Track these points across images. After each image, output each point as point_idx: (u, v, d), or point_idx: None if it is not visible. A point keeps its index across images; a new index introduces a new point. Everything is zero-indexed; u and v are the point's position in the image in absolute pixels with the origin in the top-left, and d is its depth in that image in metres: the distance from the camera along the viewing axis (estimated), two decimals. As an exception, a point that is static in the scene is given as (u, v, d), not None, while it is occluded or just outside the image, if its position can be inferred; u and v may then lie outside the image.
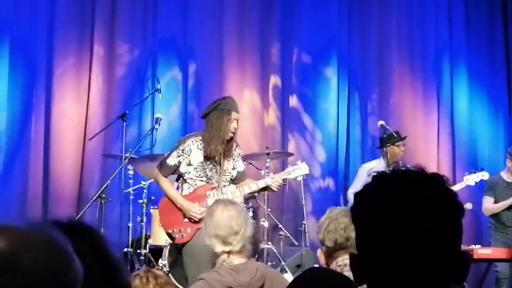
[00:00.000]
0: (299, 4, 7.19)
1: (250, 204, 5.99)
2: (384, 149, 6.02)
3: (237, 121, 4.45)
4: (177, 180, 4.58)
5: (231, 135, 4.40)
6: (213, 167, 4.40)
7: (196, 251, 4.17)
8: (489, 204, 6.13)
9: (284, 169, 6.94)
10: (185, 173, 4.40)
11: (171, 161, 4.41)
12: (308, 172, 4.74)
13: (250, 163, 6.07)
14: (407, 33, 7.37)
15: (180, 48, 6.91)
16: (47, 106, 6.50)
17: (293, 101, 7.14)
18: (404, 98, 7.32)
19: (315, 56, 7.19)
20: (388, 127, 6.08)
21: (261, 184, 4.50)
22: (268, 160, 5.85)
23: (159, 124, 5.35)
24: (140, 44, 6.84)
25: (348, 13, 7.29)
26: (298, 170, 4.62)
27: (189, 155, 4.38)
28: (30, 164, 6.37)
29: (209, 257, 4.10)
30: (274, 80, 7.11)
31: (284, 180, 4.63)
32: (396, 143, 5.97)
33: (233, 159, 4.49)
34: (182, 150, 4.40)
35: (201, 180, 4.40)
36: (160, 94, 5.62)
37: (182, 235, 4.35)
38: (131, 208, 5.73)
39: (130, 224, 5.60)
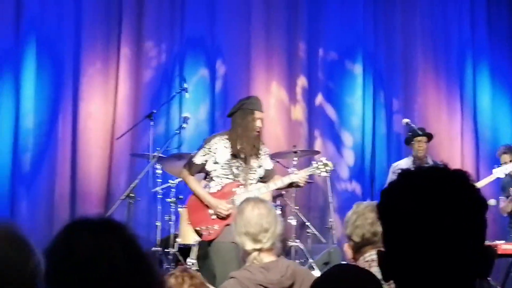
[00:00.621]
0: (325, 3, 7.23)
1: (278, 202, 6.01)
2: (410, 146, 6.14)
3: (262, 120, 4.49)
4: (205, 178, 4.62)
5: (256, 134, 4.44)
6: (240, 165, 4.46)
7: (224, 249, 4.24)
8: (502, 203, 6.16)
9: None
10: (211, 171, 4.47)
11: (198, 159, 4.48)
12: (332, 168, 4.78)
13: (278, 162, 6.08)
14: (430, 32, 7.41)
15: (208, 48, 6.94)
16: (74, 106, 6.55)
17: (320, 99, 7.16)
18: (428, 96, 7.36)
19: (341, 55, 7.23)
20: (413, 125, 6.12)
21: (286, 180, 4.55)
22: (295, 158, 5.84)
23: (187, 123, 5.37)
24: (167, 43, 6.87)
25: (373, 13, 7.33)
26: (322, 166, 4.65)
27: (215, 153, 4.44)
28: (58, 164, 6.42)
29: (236, 254, 4.19)
30: (301, 79, 7.14)
31: (310, 176, 4.65)
32: (415, 138, 6.04)
33: (259, 157, 4.52)
34: (208, 149, 4.46)
35: (228, 178, 4.45)
36: (187, 93, 5.64)
37: (210, 232, 4.41)
38: (159, 207, 5.77)
39: (159, 223, 5.62)
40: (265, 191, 4.45)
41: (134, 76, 6.75)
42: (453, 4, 7.48)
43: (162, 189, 5.85)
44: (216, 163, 4.44)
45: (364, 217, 2.50)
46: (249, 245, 2.92)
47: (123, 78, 6.71)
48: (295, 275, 2.89)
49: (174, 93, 5.97)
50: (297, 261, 5.64)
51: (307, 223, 6.28)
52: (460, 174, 1.18)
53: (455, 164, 6.69)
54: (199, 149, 4.54)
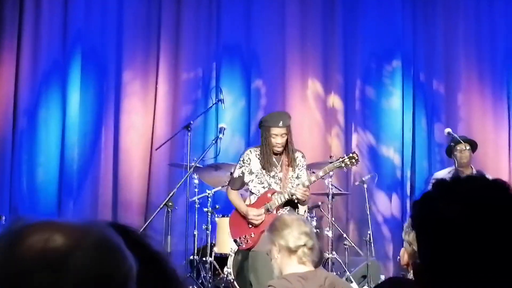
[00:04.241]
0: (362, 7, 7.08)
1: (314, 214, 5.98)
2: (452, 157, 5.90)
3: (284, 134, 4.56)
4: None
5: (278, 149, 4.55)
6: (275, 174, 4.59)
7: (260, 258, 4.32)
8: None
9: (347, 178, 6.91)
10: (249, 182, 4.66)
11: (236, 173, 4.71)
12: (358, 159, 4.77)
13: (314, 172, 6.05)
14: (474, 34, 7.09)
15: (244, 56, 6.98)
16: (116, 118, 6.77)
17: (358, 106, 7.04)
18: (473, 103, 7.03)
19: (379, 60, 7.06)
20: (456, 135, 5.92)
21: (313, 178, 4.65)
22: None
23: (223, 134, 5.43)
24: (204, 54, 6.97)
25: (412, 16, 7.12)
26: (347, 159, 4.68)
27: (249, 164, 4.64)
28: (101, 174, 6.65)
29: (271, 264, 4.23)
30: (338, 84, 7.04)
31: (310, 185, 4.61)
32: (457, 147, 5.78)
33: (298, 168, 4.63)
34: (243, 161, 4.68)
35: (263, 187, 4.62)
36: (223, 104, 5.71)
37: (247, 241, 4.59)
38: (196, 216, 5.83)
39: (196, 232, 5.70)
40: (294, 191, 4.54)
41: (172, 87, 6.90)
42: (500, 4, 7.11)
43: (199, 198, 5.91)
44: (251, 173, 4.63)
45: None
46: (293, 242, 2.92)
47: (162, 90, 6.87)
48: (334, 286, 2.88)
49: (211, 104, 6.05)
50: (334, 273, 5.58)
51: (344, 235, 6.23)
52: (500, 184, 1.14)
53: (502, 176, 6.43)
54: (236, 163, 4.79)
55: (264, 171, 4.58)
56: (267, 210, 4.54)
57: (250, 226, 4.58)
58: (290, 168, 4.60)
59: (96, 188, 6.63)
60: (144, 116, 6.82)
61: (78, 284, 0.82)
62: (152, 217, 5.26)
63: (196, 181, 5.88)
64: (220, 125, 5.66)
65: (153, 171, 6.74)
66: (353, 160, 4.68)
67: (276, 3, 7.03)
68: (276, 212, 4.52)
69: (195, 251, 5.64)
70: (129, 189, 6.68)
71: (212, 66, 6.97)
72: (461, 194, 1.11)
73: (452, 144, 5.88)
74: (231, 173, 4.78)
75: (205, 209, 5.83)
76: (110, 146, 6.71)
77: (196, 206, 5.86)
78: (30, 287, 0.80)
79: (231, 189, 4.74)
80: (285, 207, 4.58)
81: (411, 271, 2.41)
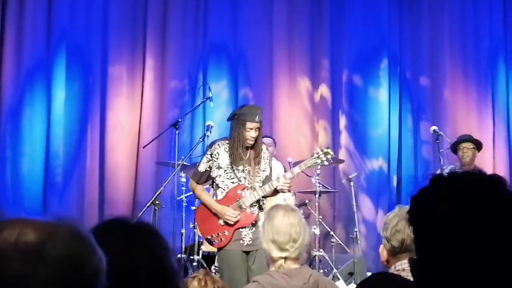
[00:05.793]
0: (349, 5, 7.12)
1: (302, 211, 5.98)
2: (457, 154, 5.93)
3: (257, 128, 4.43)
4: (212, 186, 4.65)
5: (251, 143, 4.44)
6: (244, 168, 4.46)
7: (231, 256, 4.32)
8: None
9: (334, 176, 6.93)
10: (216, 177, 4.48)
11: (202, 167, 4.51)
12: (333, 155, 4.67)
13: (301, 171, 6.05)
14: (459, 33, 7.16)
15: (231, 56, 6.98)
16: (102, 116, 6.72)
17: (345, 106, 7.08)
18: (457, 102, 7.11)
19: (366, 59, 7.09)
20: (441, 133, 5.96)
21: (288, 175, 4.51)
22: (319, 167, 5.82)
23: (210, 132, 5.41)
24: (191, 52, 6.95)
25: (398, 14, 7.17)
26: (323, 155, 4.56)
27: (217, 159, 4.46)
28: (87, 172, 6.60)
29: (243, 262, 4.22)
30: (324, 85, 7.06)
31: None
32: (460, 145, 5.82)
33: (264, 161, 4.53)
34: (210, 155, 4.48)
35: (232, 182, 4.46)
36: (211, 102, 5.70)
37: (221, 239, 4.43)
38: (184, 214, 5.82)
39: (183, 231, 5.67)
40: (269, 189, 4.41)
41: (159, 85, 6.87)
42: (485, 4, 7.18)
43: (186, 197, 5.90)
44: (219, 168, 4.46)
45: (407, 222, 2.42)
46: (275, 253, 2.91)
47: (149, 87, 6.84)
48: (317, 284, 2.89)
49: (198, 102, 6.04)
50: (321, 270, 5.62)
51: (331, 233, 6.25)
52: (496, 179, 1.13)
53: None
54: (202, 157, 4.60)
55: (233, 166, 4.43)
56: (240, 207, 4.41)
57: (222, 223, 4.43)
58: (257, 162, 4.48)
59: (82, 187, 6.59)
60: (130, 114, 6.78)
61: (52, 273, 0.85)
62: (139, 215, 5.23)
63: (183, 179, 5.87)
64: (207, 123, 5.63)
65: (140, 170, 6.71)
66: (328, 156, 4.57)
67: (264, 1, 7.03)
68: (250, 208, 4.43)
69: (183, 250, 5.63)
70: (115, 188, 6.65)
71: (199, 64, 6.94)
72: (456, 189, 1.12)
73: (455, 142, 5.90)
74: (196, 167, 4.57)
75: (192, 207, 5.81)
76: (96, 144, 6.66)
77: (184, 204, 5.86)
78: (4, 277, 0.83)
79: (196, 183, 4.53)
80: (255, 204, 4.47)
81: (391, 267, 2.42)
